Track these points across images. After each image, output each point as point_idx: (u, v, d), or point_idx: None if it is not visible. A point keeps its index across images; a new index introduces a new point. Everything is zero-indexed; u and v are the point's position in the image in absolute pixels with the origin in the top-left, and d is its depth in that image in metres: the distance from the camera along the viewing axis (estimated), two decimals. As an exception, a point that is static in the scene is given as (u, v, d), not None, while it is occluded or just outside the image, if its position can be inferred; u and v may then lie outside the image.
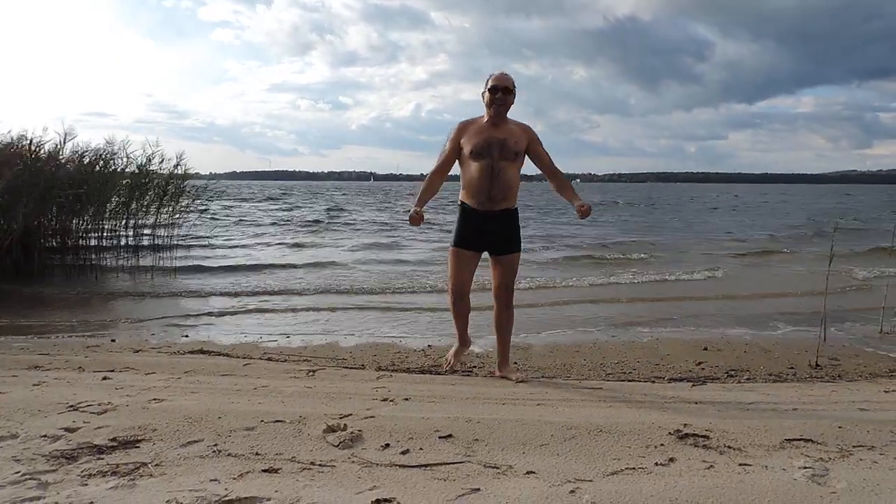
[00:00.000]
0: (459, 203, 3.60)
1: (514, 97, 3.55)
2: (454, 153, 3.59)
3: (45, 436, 2.43)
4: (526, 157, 3.62)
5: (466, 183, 3.55)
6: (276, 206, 31.70)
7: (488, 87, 3.49)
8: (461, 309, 3.73)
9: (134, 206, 10.86)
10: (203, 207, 13.97)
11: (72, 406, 2.85)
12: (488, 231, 3.52)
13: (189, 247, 12.03)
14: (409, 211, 3.50)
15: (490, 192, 3.46)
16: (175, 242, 11.44)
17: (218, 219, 20.47)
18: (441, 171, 3.64)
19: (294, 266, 10.36)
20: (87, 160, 10.01)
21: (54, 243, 9.61)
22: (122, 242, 10.80)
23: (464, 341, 3.88)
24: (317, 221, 21.62)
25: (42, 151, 9.37)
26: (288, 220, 20.88)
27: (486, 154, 3.44)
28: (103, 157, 10.25)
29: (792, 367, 4.21)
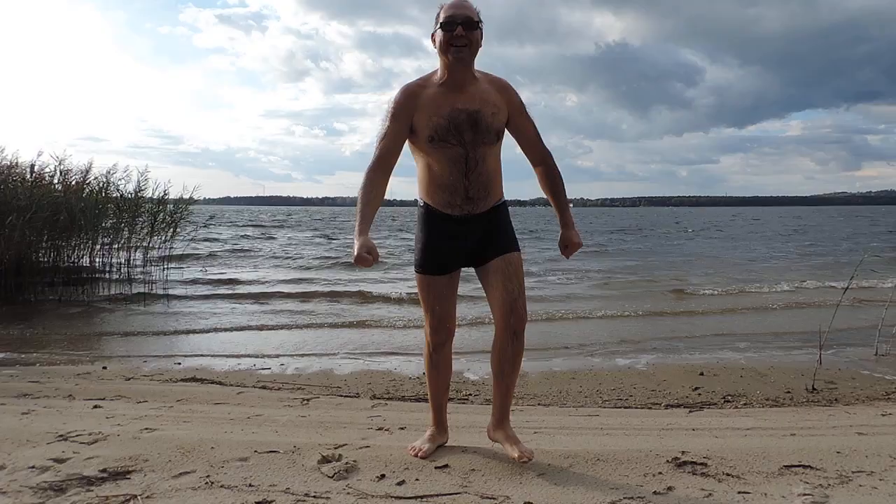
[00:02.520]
0: (421, 205, 2.45)
1: (482, 36, 2.32)
2: (401, 136, 2.36)
3: (33, 467, 2.38)
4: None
5: (429, 179, 2.39)
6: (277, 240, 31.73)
7: (440, 21, 2.27)
8: (440, 365, 2.60)
9: (126, 230, 10.87)
10: (196, 232, 13.93)
11: (61, 436, 2.80)
12: (465, 240, 2.40)
13: (183, 272, 11.99)
14: (350, 250, 2.26)
15: (467, 191, 2.34)
16: (168, 267, 11.41)
17: (215, 242, 20.42)
18: (383, 168, 2.35)
19: (290, 294, 10.32)
20: (75, 183, 10.06)
21: (46, 267, 9.58)
22: (115, 267, 10.76)
23: (441, 426, 2.66)
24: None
25: (31, 175, 9.41)
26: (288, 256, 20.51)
27: (453, 139, 2.30)
28: (93, 182, 10.31)
29: (788, 392, 4.20)
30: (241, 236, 26.76)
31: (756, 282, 11.17)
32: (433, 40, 2.36)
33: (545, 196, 2.63)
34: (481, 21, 2.32)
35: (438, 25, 2.29)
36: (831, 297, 8.51)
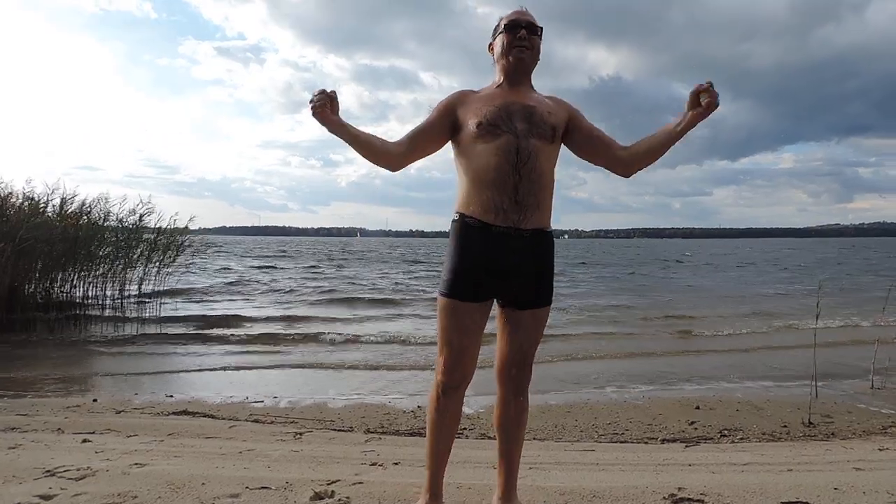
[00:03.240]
0: (457, 218, 2.15)
1: (541, 48, 2.24)
2: (434, 126, 2.19)
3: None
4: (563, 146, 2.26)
5: (473, 180, 2.11)
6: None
7: (503, 26, 2.21)
8: (448, 414, 2.19)
9: (120, 261, 10.85)
10: (190, 262, 13.88)
11: (49, 471, 2.76)
12: (509, 265, 2.07)
13: (176, 304, 11.92)
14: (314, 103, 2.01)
15: (517, 190, 2.05)
16: (162, 300, 11.36)
17: (207, 273, 20.35)
18: (407, 139, 2.18)
19: (283, 326, 10.26)
20: (71, 212, 10.05)
21: (38, 298, 9.52)
22: (108, 298, 10.71)
23: (437, 496, 2.27)
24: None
25: (26, 204, 9.42)
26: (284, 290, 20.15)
27: (505, 127, 2.09)
28: (89, 211, 10.32)
29: (785, 426, 4.17)
30: (252, 267, 26.61)
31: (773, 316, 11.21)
32: (490, 50, 2.30)
33: (656, 142, 2.16)
34: (542, 31, 2.24)
35: (501, 30, 2.22)
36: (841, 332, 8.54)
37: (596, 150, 2.23)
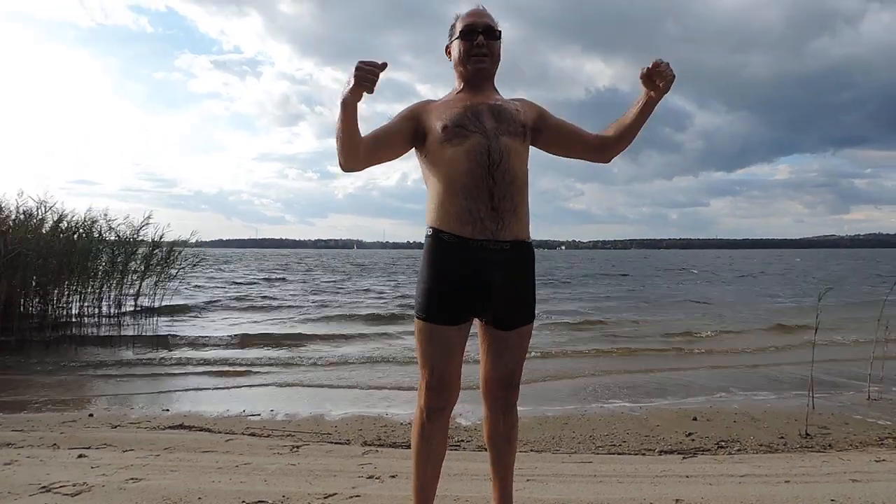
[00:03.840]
0: (430, 234, 2.00)
1: (500, 50, 2.12)
2: (396, 129, 2.04)
3: (15, 521, 2.33)
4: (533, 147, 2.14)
5: (444, 188, 1.96)
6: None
7: (458, 30, 2.08)
8: (434, 439, 2.07)
9: (117, 276, 10.83)
10: (188, 275, 13.87)
11: (44, 487, 2.75)
12: (489, 283, 1.94)
13: (172, 317, 11.88)
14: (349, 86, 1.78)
15: (492, 195, 1.91)
16: (158, 313, 11.33)
17: (203, 290, 20.32)
18: (367, 136, 1.97)
19: (281, 338, 10.23)
20: (65, 227, 10.05)
21: (34, 311, 9.49)
22: (104, 312, 10.68)
23: None
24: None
25: (21, 219, 9.41)
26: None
27: (473, 126, 1.96)
28: (84, 226, 10.31)
29: (782, 437, 4.17)
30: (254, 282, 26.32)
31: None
32: (448, 53, 2.16)
33: (621, 130, 2.11)
34: (500, 34, 2.12)
35: (456, 35, 2.09)
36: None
37: (569, 141, 2.16)
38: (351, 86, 1.77)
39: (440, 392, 2.01)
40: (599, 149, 2.14)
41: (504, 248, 1.93)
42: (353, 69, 1.77)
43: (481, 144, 1.93)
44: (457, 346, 2.00)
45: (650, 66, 1.96)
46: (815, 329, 5.06)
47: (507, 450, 2.15)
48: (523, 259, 2.01)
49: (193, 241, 13.13)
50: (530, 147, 2.11)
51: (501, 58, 2.13)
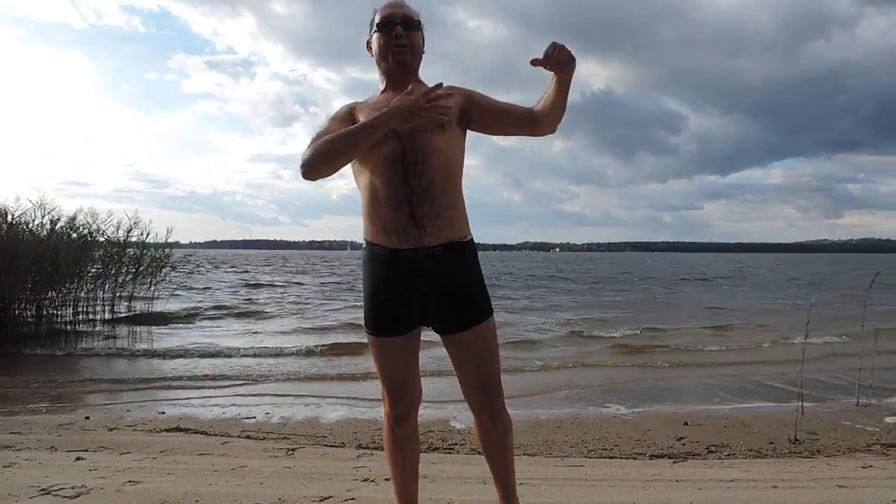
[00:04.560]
0: (363, 246, 1.99)
1: (424, 41, 2.03)
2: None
3: (15, 523, 2.37)
4: (471, 132, 2.05)
5: (368, 200, 1.91)
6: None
7: (375, 24, 2.00)
8: (405, 444, 2.09)
9: (112, 277, 10.82)
10: (181, 277, 13.85)
11: (44, 490, 2.79)
12: (426, 289, 1.89)
13: (168, 319, 11.87)
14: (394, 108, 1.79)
15: (410, 203, 1.84)
16: (153, 315, 11.32)
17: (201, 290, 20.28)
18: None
19: (279, 339, 10.26)
20: (58, 228, 10.03)
21: (28, 314, 9.48)
22: (99, 314, 10.68)
23: None
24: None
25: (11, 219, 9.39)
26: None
27: (388, 132, 1.83)
28: (77, 226, 10.30)
29: (771, 442, 4.23)
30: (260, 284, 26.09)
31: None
32: (368, 48, 2.06)
33: (545, 101, 1.97)
34: (421, 23, 2.02)
35: (374, 29, 2.00)
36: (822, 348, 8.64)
37: (499, 120, 2.03)
38: (404, 117, 1.75)
39: (400, 400, 2.04)
40: (529, 122, 1.99)
41: (435, 253, 1.86)
42: (413, 102, 1.74)
43: (395, 151, 1.84)
44: (408, 354, 2.00)
45: (542, 56, 1.83)
46: (805, 336, 5.13)
47: (503, 457, 2.07)
48: (459, 259, 1.91)
49: (186, 241, 13.13)
50: (468, 133, 2.03)
51: (425, 49, 2.03)
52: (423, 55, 2.03)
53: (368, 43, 2.04)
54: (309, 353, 8.67)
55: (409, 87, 1.81)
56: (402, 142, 1.84)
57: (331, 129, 1.91)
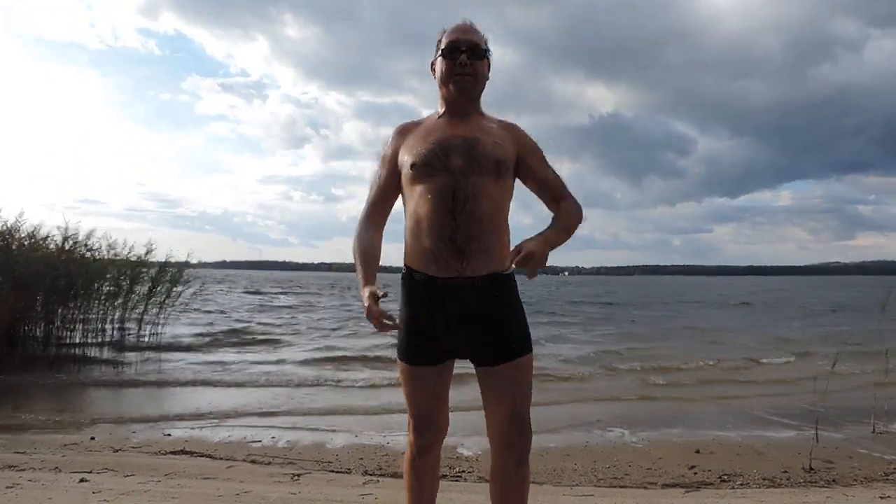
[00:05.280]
0: (403, 272, 1.97)
1: (490, 67, 2.01)
2: (393, 180, 1.99)
3: (16, 548, 2.34)
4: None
5: (412, 227, 1.91)
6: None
7: (441, 47, 1.96)
8: (424, 475, 2.08)
9: (121, 298, 10.82)
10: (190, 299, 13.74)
11: (46, 513, 2.76)
12: (465, 319, 1.86)
13: (178, 345, 11.71)
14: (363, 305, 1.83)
15: (454, 235, 1.83)
16: (164, 338, 11.28)
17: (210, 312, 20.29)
18: (374, 220, 2.01)
19: (285, 361, 10.21)
20: (69, 247, 10.06)
21: (38, 333, 9.48)
22: (108, 334, 10.67)
23: None
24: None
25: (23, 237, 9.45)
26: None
27: (439, 163, 1.86)
28: (88, 245, 10.34)
29: (786, 471, 4.14)
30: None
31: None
32: (433, 69, 2.03)
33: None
34: (489, 50, 1.99)
35: (439, 53, 1.97)
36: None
37: (533, 187, 2.04)
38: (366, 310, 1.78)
39: (426, 431, 2.00)
40: (551, 206, 2.03)
41: (475, 284, 1.84)
42: (368, 314, 1.77)
43: (447, 185, 1.84)
44: (439, 386, 1.97)
45: (513, 262, 1.80)
46: (833, 364, 5.04)
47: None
48: (500, 290, 1.89)
49: (195, 261, 13.13)
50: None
51: (490, 78, 2.02)
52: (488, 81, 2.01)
53: (433, 64, 2.02)
54: (320, 382, 8.42)
55: (378, 294, 1.76)
56: (455, 177, 1.84)
57: (380, 176, 2.00)
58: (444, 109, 2.00)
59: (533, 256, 1.77)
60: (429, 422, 1.98)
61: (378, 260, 1.96)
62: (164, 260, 11.57)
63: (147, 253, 11.22)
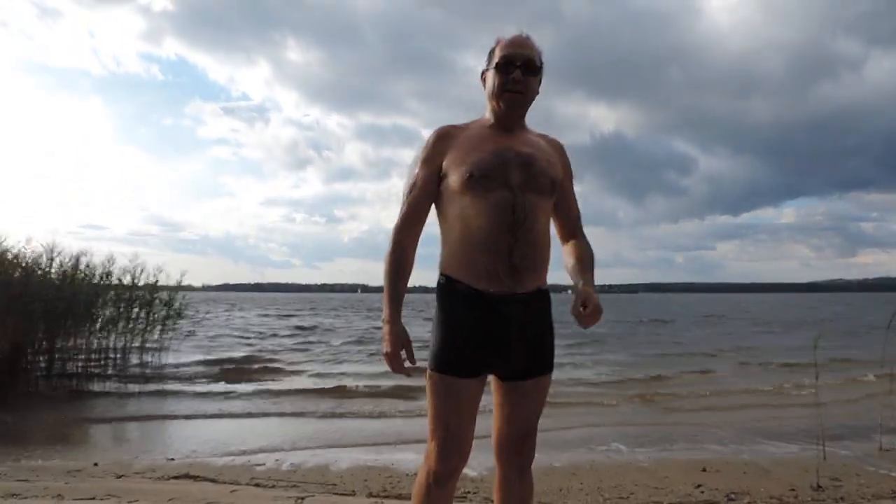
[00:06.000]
0: (442, 281, 1.90)
1: (541, 83, 1.98)
2: (434, 185, 1.92)
3: (20, 575, 2.33)
4: None
5: (461, 240, 1.85)
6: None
7: (496, 59, 1.90)
8: None
9: (122, 322, 10.72)
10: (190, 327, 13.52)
11: (50, 540, 2.74)
12: (508, 334, 1.83)
13: (180, 376, 11.55)
14: (383, 346, 1.88)
15: (512, 254, 1.80)
16: (166, 368, 11.17)
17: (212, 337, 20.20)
18: (413, 227, 1.95)
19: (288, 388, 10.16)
20: (70, 270, 10.02)
21: (41, 360, 9.42)
22: (111, 359, 10.60)
23: None
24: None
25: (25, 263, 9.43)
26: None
27: (500, 179, 1.82)
28: (89, 269, 10.30)
29: (793, 489, 4.10)
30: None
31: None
32: (483, 80, 1.98)
33: (568, 271, 2.02)
34: (543, 65, 1.95)
35: (493, 65, 1.91)
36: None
37: (559, 215, 2.04)
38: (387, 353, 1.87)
39: (453, 453, 1.87)
40: (560, 231, 2.08)
41: (521, 300, 1.84)
42: (387, 360, 1.87)
43: (506, 200, 1.81)
44: (474, 401, 1.88)
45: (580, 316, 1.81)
46: (815, 377, 5.02)
47: None
48: (541, 307, 1.91)
49: (199, 285, 13.02)
50: None
51: (535, 98, 1.98)
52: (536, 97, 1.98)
53: (483, 73, 1.98)
54: (329, 415, 8.16)
55: (400, 351, 1.86)
56: (513, 193, 1.81)
57: (421, 179, 1.91)
58: (492, 121, 1.96)
59: (601, 311, 1.81)
60: (457, 442, 1.86)
61: (409, 278, 1.93)
62: (161, 282, 11.45)
63: (155, 277, 11.14)
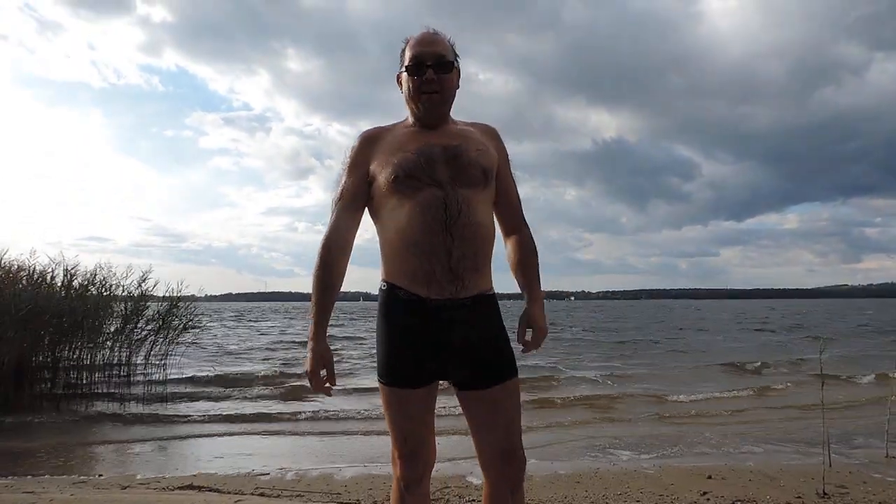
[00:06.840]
0: (383, 287, 1.84)
1: (459, 75, 1.91)
2: (362, 191, 1.87)
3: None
4: None
5: (395, 244, 1.79)
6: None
7: (405, 61, 1.86)
8: None
9: (126, 334, 10.71)
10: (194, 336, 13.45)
11: (56, 552, 2.75)
12: (452, 340, 1.77)
13: (186, 393, 11.51)
14: (304, 364, 1.85)
15: (451, 254, 1.73)
16: (172, 383, 11.15)
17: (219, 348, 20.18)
18: (342, 237, 1.87)
19: (293, 390, 10.16)
20: (77, 283, 10.02)
21: (46, 374, 9.40)
22: (115, 371, 10.59)
23: None
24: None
25: (28, 275, 9.45)
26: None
27: (425, 175, 1.76)
28: (95, 281, 10.31)
29: (799, 497, 4.09)
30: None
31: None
32: (399, 83, 1.91)
33: (513, 274, 2.01)
34: (457, 57, 1.88)
35: (403, 67, 1.86)
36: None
37: (498, 202, 1.95)
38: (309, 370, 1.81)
39: (415, 460, 1.86)
40: (501, 224, 2.02)
41: (465, 305, 1.76)
42: (312, 378, 1.81)
43: (436, 197, 1.73)
44: (426, 409, 1.86)
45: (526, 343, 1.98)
46: (821, 384, 5.00)
47: None
48: (486, 312, 1.82)
49: (202, 294, 12.97)
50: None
51: (456, 92, 1.91)
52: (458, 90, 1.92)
53: (399, 77, 1.91)
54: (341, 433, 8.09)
55: (320, 370, 1.80)
56: (444, 189, 1.74)
57: (348, 187, 1.86)
58: (413, 121, 1.90)
59: (545, 335, 1.95)
60: (416, 450, 1.85)
61: (338, 292, 1.87)
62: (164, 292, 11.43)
63: (143, 281, 11.09)
